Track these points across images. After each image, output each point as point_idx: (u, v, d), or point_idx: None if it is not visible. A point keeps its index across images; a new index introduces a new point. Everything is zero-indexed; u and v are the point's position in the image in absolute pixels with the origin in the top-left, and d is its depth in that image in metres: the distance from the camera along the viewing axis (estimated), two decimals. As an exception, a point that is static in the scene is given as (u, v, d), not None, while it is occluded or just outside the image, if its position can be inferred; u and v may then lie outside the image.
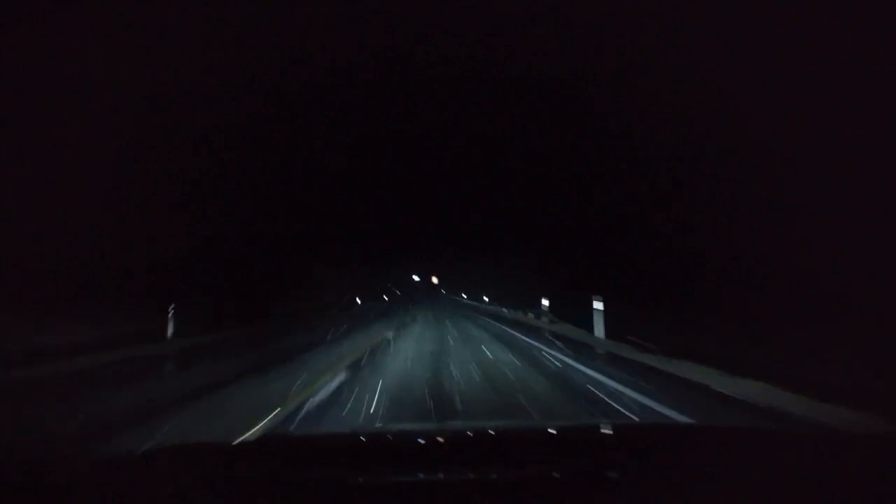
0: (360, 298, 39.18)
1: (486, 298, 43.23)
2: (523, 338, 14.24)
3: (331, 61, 29.72)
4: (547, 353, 10.53)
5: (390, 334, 14.72)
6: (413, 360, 9.08)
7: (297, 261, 30.69)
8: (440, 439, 1.80)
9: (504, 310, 31.09)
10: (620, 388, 6.61)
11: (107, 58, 14.22)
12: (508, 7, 26.20)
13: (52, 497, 1.05)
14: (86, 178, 13.52)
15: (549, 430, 1.97)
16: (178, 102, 16.57)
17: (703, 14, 15.30)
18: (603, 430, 1.99)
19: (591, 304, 14.48)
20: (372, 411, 5.26)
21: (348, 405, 5.62)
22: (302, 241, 32.58)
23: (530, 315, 24.16)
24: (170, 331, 12.67)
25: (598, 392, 6.38)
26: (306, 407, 5.51)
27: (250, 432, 4.49)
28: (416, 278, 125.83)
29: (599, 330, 13.97)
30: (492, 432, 1.91)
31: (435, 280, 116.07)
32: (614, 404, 5.74)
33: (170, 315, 12.79)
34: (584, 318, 15.29)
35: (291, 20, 24.05)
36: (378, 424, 4.74)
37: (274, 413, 5.14)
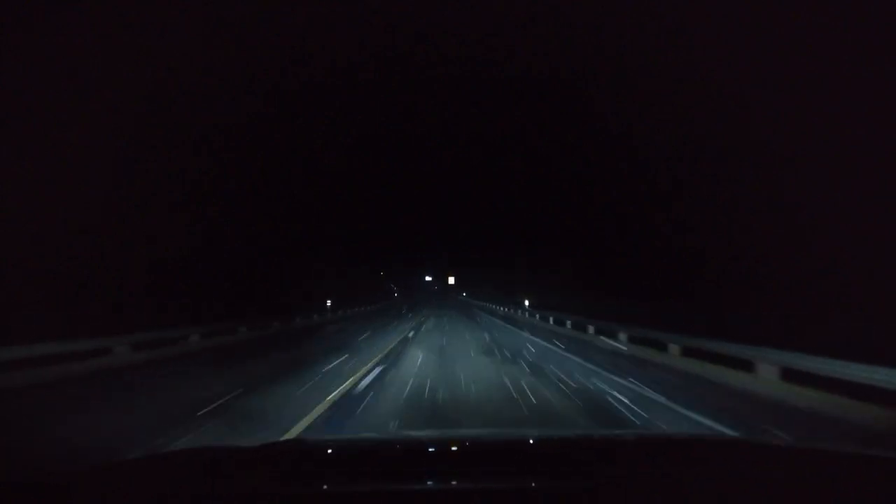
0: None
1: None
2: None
3: (331, 61, 29.74)
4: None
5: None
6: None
7: (294, 262, 30.57)
8: (454, 448, 1.76)
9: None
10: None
11: (107, 58, 14.22)
12: (508, 7, 26.20)
13: (57, 498, 1.04)
14: (86, 178, 13.52)
15: (563, 440, 1.94)
16: (178, 102, 16.57)
17: (703, 14, 15.30)
18: (620, 440, 1.97)
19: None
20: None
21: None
22: (300, 241, 32.45)
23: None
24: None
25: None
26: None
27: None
28: (428, 278, 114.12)
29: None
30: (502, 440, 1.89)
31: (451, 280, 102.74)
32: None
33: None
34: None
35: (291, 20, 24.05)
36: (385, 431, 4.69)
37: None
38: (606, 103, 23.75)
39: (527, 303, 28.58)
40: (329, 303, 28.85)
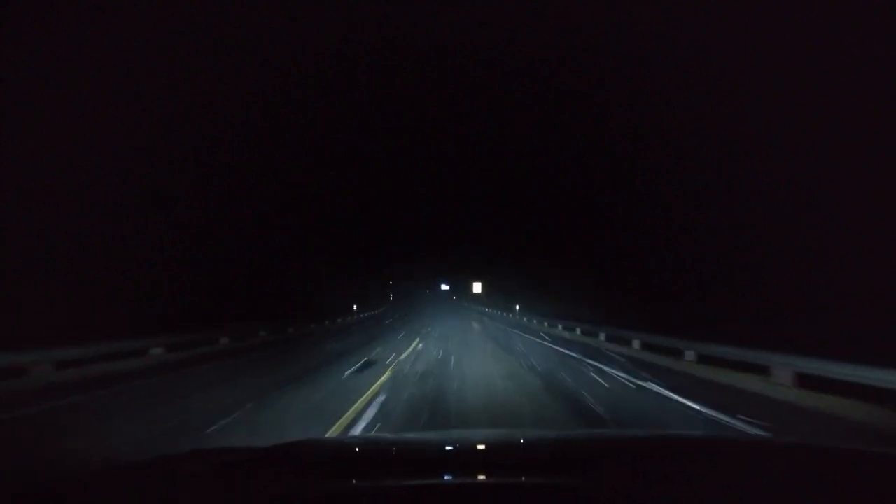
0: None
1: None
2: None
3: (336, 64, 29.73)
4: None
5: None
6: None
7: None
8: (480, 447, 1.75)
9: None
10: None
11: (107, 57, 14.20)
12: (527, 11, 26.30)
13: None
14: (85, 179, 13.47)
15: (571, 439, 1.91)
16: (179, 103, 16.54)
17: (710, 19, 15.34)
18: (634, 439, 1.96)
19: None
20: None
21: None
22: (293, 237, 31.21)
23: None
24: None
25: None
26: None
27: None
28: (444, 287, 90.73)
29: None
30: (513, 441, 1.87)
31: (477, 288, 76.15)
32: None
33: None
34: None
35: (292, 22, 24.08)
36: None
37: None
38: (611, 105, 23.92)
39: None
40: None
